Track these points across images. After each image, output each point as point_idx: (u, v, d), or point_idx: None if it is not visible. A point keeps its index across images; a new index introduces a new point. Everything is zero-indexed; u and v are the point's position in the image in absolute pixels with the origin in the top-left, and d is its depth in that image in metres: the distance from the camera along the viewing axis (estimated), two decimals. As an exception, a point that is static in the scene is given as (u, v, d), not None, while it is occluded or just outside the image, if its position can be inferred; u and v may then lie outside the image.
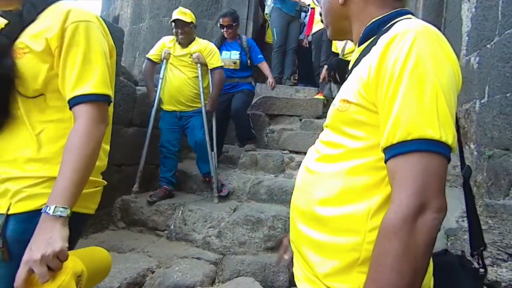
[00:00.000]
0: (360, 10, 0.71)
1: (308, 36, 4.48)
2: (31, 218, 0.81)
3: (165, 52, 2.74)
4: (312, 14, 4.42)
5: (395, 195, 0.53)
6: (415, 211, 0.50)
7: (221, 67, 2.82)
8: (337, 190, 0.64)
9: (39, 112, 0.86)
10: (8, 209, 0.81)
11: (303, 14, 4.63)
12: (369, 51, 0.64)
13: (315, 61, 4.27)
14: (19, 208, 0.81)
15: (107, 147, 0.98)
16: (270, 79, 3.45)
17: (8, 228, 0.81)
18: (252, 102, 3.75)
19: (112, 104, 0.94)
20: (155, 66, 2.85)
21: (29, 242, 0.74)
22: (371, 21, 0.69)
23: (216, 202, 2.65)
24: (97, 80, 0.85)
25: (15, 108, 0.85)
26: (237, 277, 2.10)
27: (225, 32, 3.14)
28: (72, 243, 0.83)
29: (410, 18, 0.64)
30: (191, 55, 2.69)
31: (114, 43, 3.20)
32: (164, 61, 2.75)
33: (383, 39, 0.59)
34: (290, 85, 4.41)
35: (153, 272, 2.03)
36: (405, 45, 0.55)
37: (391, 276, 0.50)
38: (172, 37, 2.80)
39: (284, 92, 4.03)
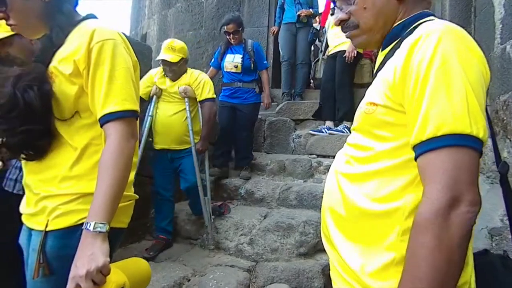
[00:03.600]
0: (406, 9, 0.70)
1: (323, 27, 3.87)
2: (68, 234, 0.85)
3: (154, 89, 2.47)
4: (328, 4, 3.83)
5: (427, 190, 0.54)
6: (447, 204, 0.51)
7: (213, 99, 2.55)
8: (370, 192, 0.64)
9: (72, 131, 0.90)
10: (46, 226, 0.86)
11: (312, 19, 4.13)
12: (393, 54, 0.65)
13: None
14: (56, 225, 0.85)
15: (136, 160, 1.01)
16: (265, 99, 3.22)
17: (47, 244, 0.85)
18: (278, 108, 3.76)
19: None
20: (143, 103, 2.42)
21: (74, 259, 0.78)
22: (395, 25, 0.70)
23: (212, 248, 2.43)
24: (124, 97, 0.87)
25: (51, 131, 0.90)
26: (271, 284, 2.10)
27: (231, 39, 3.05)
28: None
29: (433, 19, 0.65)
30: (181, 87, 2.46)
31: (144, 60, 3.29)
32: (154, 97, 2.48)
33: (408, 41, 0.60)
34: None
35: (188, 280, 2.08)
36: (430, 45, 0.56)
37: (425, 269, 0.51)
38: (160, 68, 2.54)
39: (308, 96, 4.00)
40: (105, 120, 0.86)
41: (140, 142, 2.30)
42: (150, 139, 2.51)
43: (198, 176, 2.43)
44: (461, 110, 0.54)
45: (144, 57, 2.71)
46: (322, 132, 3.29)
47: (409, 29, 0.67)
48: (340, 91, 3.25)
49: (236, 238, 2.43)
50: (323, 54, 3.54)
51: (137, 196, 1.02)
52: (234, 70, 3.05)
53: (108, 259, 0.78)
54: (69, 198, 0.86)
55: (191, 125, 2.45)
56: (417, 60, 0.57)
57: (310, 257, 2.27)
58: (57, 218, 0.86)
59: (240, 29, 3.04)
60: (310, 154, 3.28)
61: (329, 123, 3.37)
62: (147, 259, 2.27)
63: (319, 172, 3.04)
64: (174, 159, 2.49)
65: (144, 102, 2.45)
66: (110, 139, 0.85)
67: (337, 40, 3.29)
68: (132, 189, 1.00)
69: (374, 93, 0.66)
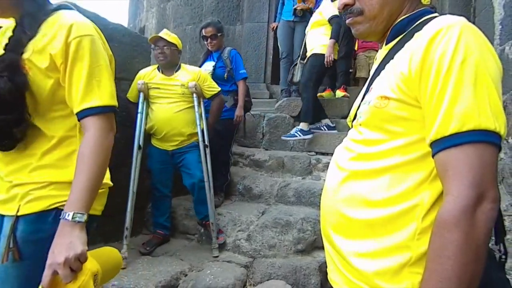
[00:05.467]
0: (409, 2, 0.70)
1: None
2: (39, 218, 0.87)
3: (139, 84, 2.33)
4: None
5: (452, 187, 0.53)
6: (474, 201, 0.51)
7: (221, 90, 2.56)
8: (382, 190, 0.63)
9: (47, 122, 0.90)
10: (17, 211, 0.87)
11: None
12: (402, 46, 0.64)
13: None
14: (27, 209, 0.87)
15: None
16: (237, 111, 2.79)
17: (18, 229, 0.86)
18: (277, 105, 3.75)
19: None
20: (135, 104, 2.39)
21: (51, 246, 0.78)
22: (400, 19, 0.69)
23: (216, 255, 2.30)
24: (103, 92, 0.89)
25: (28, 120, 0.89)
26: (268, 280, 2.10)
27: (209, 44, 2.86)
28: None
29: (438, 15, 0.65)
30: (183, 84, 2.37)
31: (143, 53, 3.22)
32: (141, 94, 2.35)
33: (425, 34, 0.59)
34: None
35: (186, 275, 2.07)
36: (452, 39, 0.55)
37: (454, 266, 0.50)
38: (153, 67, 2.47)
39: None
40: (84, 114, 0.87)
41: (135, 139, 2.29)
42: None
43: (205, 172, 2.36)
44: (486, 105, 0.53)
45: (143, 49, 2.67)
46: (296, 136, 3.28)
47: (415, 24, 0.66)
48: (303, 91, 3.25)
49: (234, 234, 2.43)
50: (301, 58, 3.46)
51: (111, 184, 1.03)
52: None
53: (86, 248, 0.79)
54: (40, 185, 0.88)
55: (199, 120, 2.41)
56: (438, 53, 0.56)
57: (307, 254, 2.27)
58: (29, 203, 0.87)
59: (219, 34, 2.84)
60: (309, 151, 3.28)
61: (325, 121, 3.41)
62: (144, 254, 2.30)
63: (318, 170, 3.04)
64: (174, 154, 2.42)
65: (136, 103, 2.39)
66: (90, 133, 0.87)
67: (314, 43, 3.27)
68: (108, 176, 1.00)
69: (386, 87, 0.64)
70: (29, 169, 0.88)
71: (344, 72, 3.79)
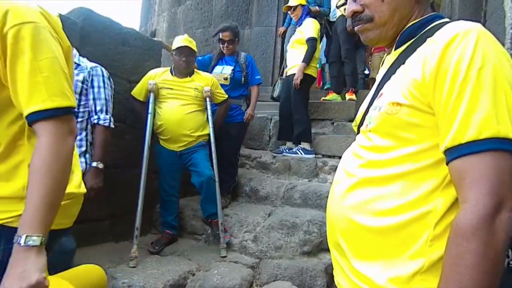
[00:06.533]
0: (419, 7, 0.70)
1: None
2: None
3: (150, 84, 2.38)
4: None
5: (469, 195, 0.52)
6: (492, 210, 0.50)
7: (228, 97, 2.68)
8: (394, 197, 0.62)
9: None
10: None
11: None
12: (413, 51, 0.64)
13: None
14: None
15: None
16: (249, 110, 2.88)
17: None
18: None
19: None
20: (144, 104, 2.45)
21: (3, 278, 0.68)
22: (410, 24, 0.69)
23: (224, 255, 2.31)
24: (52, 92, 0.74)
25: None
26: (274, 281, 2.12)
27: (225, 48, 2.88)
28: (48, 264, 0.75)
29: (449, 21, 0.65)
30: (196, 88, 2.46)
31: (154, 56, 3.26)
32: (151, 94, 2.40)
33: (440, 39, 0.58)
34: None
35: (193, 275, 2.11)
36: (469, 44, 0.55)
37: (473, 276, 0.50)
38: (164, 69, 2.54)
39: (315, 96, 4.02)
40: (32, 118, 0.73)
41: (144, 140, 2.34)
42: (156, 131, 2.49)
43: (216, 171, 2.40)
44: (504, 113, 0.52)
45: (154, 53, 2.74)
46: (283, 152, 3.26)
47: (426, 29, 0.65)
48: (295, 112, 3.22)
49: (241, 235, 2.46)
50: (281, 74, 3.45)
51: (84, 191, 0.93)
52: (222, 82, 2.80)
53: (43, 275, 0.69)
54: None
55: (212, 122, 2.50)
56: (455, 59, 0.55)
57: (313, 255, 2.29)
58: None
59: (236, 39, 2.90)
60: (316, 154, 3.30)
61: (290, 144, 3.34)
62: (153, 253, 2.35)
63: (324, 172, 3.05)
64: (182, 155, 2.46)
65: (145, 103, 2.44)
66: (41, 141, 0.74)
67: (293, 62, 3.28)
68: (82, 186, 0.92)
69: (397, 92, 0.63)
70: None
71: (350, 74, 3.78)
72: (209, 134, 2.51)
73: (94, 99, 1.84)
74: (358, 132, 0.77)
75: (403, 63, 0.65)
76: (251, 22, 4.65)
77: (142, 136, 2.38)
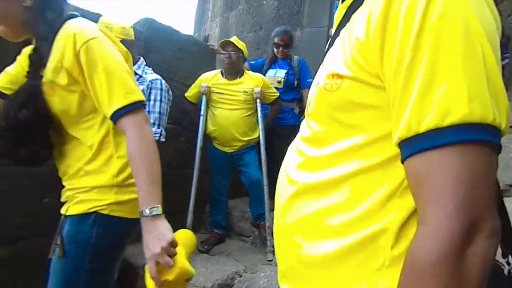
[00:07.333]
0: None
1: None
2: (80, 220, 0.92)
3: (202, 87, 2.46)
4: None
5: (427, 214, 0.35)
6: (460, 238, 0.33)
7: (279, 95, 2.67)
8: (342, 211, 0.45)
9: (83, 132, 0.94)
10: (66, 211, 0.95)
11: None
12: (360, 3, 0.46)
13: None
14: (72, 210, 0.93)
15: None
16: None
17: (64, 229, 0.93)
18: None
19: None
20: (196, 106, 2.56)
21: (144, 244, 0.83)
22: None
23: (270, 259, 2.29)
24: (126, 90, 0.89)
25: (67, 134, 0.95)
26: None
27: (279, 52, 2.87)
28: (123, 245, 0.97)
29: None
30: (245, 91, 2.47)
31: (207, 60, 3.43)
32: (204, 97, 2.48)
33: None
34: None
35: (240, 276, 2.13)
36: None
37: None
38: (215, 71, 2.60)
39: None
40: (115, 117, 0.89)
41: (198, 141, 2.44)
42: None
43: (265, 173, 2.41)
44: (480, 83, 0.34)
45: (207, 57, 2.85)
46: None
47: None
48: None
49: (288, 240, 2.43)
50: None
51: None
52: (276, 85, 2.79)
53: (173, 235, 0.85)
54: (84, 189, 0.93)
55: (262, 124, 2.51)
56: (405, 5, 0.37)
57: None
58: (75, 204, 0.93)
59: (290, 43, 2.90)
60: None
61: None
62: (202, 252, 2.42)
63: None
64: (234, 156, 2.52)
65: (196, 104, 2.54)
66: (128, 132, 0.89)
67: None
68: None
69: (337, 61, 0.45)
70: (78, 176, 0.95)
71: None
72: (259, 137, 2.53)
73: (148, 112, 1.91)
74: None
75: (348, 20, 0.47)
76: (303, 24, 4.60)
77: (195, 138, 2.48)
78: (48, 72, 0.90)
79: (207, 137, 2.56)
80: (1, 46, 1.00)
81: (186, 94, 2.57)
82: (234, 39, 2.54)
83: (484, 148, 0.35)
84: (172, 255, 0.82)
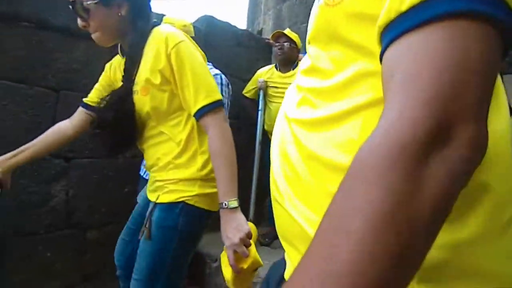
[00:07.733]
0: None
1: None
2: (169, 208, 1.00)
3: (259, 82, 2.49)
4: None
5: (390, 107, 0.26)
6: (423, 138, 0.24)
7: None
8: (345, 144, 0.37)
9: (171, 129, 1.03)
10: (156, 199, 1.03)
11: None
12: None
13: None
14: (163, 199, 1.02)
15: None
16: None
17: (154, 215, 1.01)
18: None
19: None
20: (253, 102, 2.60)
21: (223, 233, 0.91)
22: None
23: None
24: (209, 89, 0.97)
25: (157, 130, 1.04)
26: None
27: None
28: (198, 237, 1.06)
29: None
30: None
31: (263, 55, 3.45)
32: (261, 92, 2.49)
33: None
34: None
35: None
36: None
37: (357, 258, 0.22)
38: (269, 66, 2.59)
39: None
40: (200, 114, 0.97)
41: (257, 136, 2.45)
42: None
43: None
44: None
45: (264, 51, 2.83)
46: None
47: None
48: None
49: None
50: None
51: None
52: None
53: (249, 225, 0.92)
54: (173, 181, 1.03)
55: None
56: None
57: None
58: (165, 194, 1.03)
59: None
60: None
61: None
62: (263, 245, 2.44)
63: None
64: None
65: (254, 99, 2.57)
66: (211, 129, 0.97)
67: None
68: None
69: None
70: (167, 169, 1.04)
71: None
72: None
73: None
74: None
75: None
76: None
77: (253, 132, 2.49)
78: (142, 74, 1.00)
79: (265, 133, 2.55)
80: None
81: (244, 92, 2.62)
82: (286, 30, 2.51)
83: (483, 24, 0.25)
84: (248, 245, 0.89)
